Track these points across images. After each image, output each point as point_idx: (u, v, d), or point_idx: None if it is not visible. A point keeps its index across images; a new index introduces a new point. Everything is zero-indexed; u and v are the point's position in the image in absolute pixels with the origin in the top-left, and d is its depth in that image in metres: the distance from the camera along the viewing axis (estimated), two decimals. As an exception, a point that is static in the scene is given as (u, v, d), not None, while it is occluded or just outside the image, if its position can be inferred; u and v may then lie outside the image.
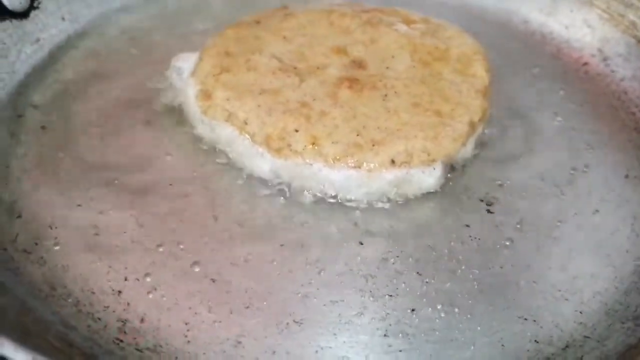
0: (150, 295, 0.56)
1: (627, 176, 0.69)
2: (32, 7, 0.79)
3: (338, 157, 0.61)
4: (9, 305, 0.52)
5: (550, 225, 0.63)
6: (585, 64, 0.83)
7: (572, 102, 0.78)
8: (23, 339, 0.42)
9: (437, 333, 0.54)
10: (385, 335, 0.54)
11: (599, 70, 0.82)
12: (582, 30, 0.86)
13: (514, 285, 0.58)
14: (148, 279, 0.57)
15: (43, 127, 0.70)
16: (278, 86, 0.66)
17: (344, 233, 0.61)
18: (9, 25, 0.77)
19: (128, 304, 0.55)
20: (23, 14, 0.78)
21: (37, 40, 0.79)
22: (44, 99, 0.74)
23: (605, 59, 0.83)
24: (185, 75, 0.71)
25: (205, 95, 0.66)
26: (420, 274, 0.58)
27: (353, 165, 0.61)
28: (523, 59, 0.85)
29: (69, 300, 0.55)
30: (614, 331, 0.55)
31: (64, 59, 0.79)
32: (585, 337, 0.55)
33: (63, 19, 0.82)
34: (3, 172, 0.65)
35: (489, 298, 0.57)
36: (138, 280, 0.57)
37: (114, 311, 0.55)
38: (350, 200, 0.64)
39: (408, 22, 0.76)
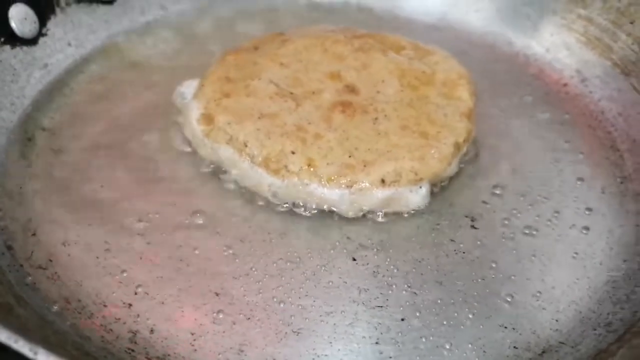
0: (159, 308, 0.59)
1: (603, 192, 0.73)
2: (40, 33, 0.83)
3: (332, 178, 0.65)
4: (29, 317, 0.56)
5: (529, 238, 0.67)
6: (565, 84, 0.88)
7: (553, 122, 0.82)
8: (46, 348, 0.46)
9: (424, 340, 0.58)
10: (377, 343, 0.58)
11: (578, 91, 0.86)
12: (562, 53, 0.90)
13: (495, 296, 0.62)
14: (156, 293, 0.61)
15: (53, 150, 0.74)
16: (276, 110, 0.70)
17: (337, 248, 0.65)
18: (19, 51, 0.80)
19: (138, 315, 0.59)
20: (32, 41, 0.82)
21: (46, 65, 0.83)
22: (52, 122, 0.77)
23: (583, 80, 0.87)
24: (188, 99, 0.75)
25: (208, 119, 0.70)
26: (409, 286, 0.62)
27: (346, 184, 0.65)
28: (507, 79, 0.89)
29: (83, 313, 0.59)
30: (586, 337, 0.59)
31: (72, 83, 0.83)
32: (561, 342, 0.59)
33: (70, 44, 0.86)
34: (17, 192, 0.69)
35: (472, 308, 0.61)
36: (147, 293, 0.60)
37: (125, 323, 0.58)
38: (343, 217, 0.67)
39: (398, 47, 0.80)
